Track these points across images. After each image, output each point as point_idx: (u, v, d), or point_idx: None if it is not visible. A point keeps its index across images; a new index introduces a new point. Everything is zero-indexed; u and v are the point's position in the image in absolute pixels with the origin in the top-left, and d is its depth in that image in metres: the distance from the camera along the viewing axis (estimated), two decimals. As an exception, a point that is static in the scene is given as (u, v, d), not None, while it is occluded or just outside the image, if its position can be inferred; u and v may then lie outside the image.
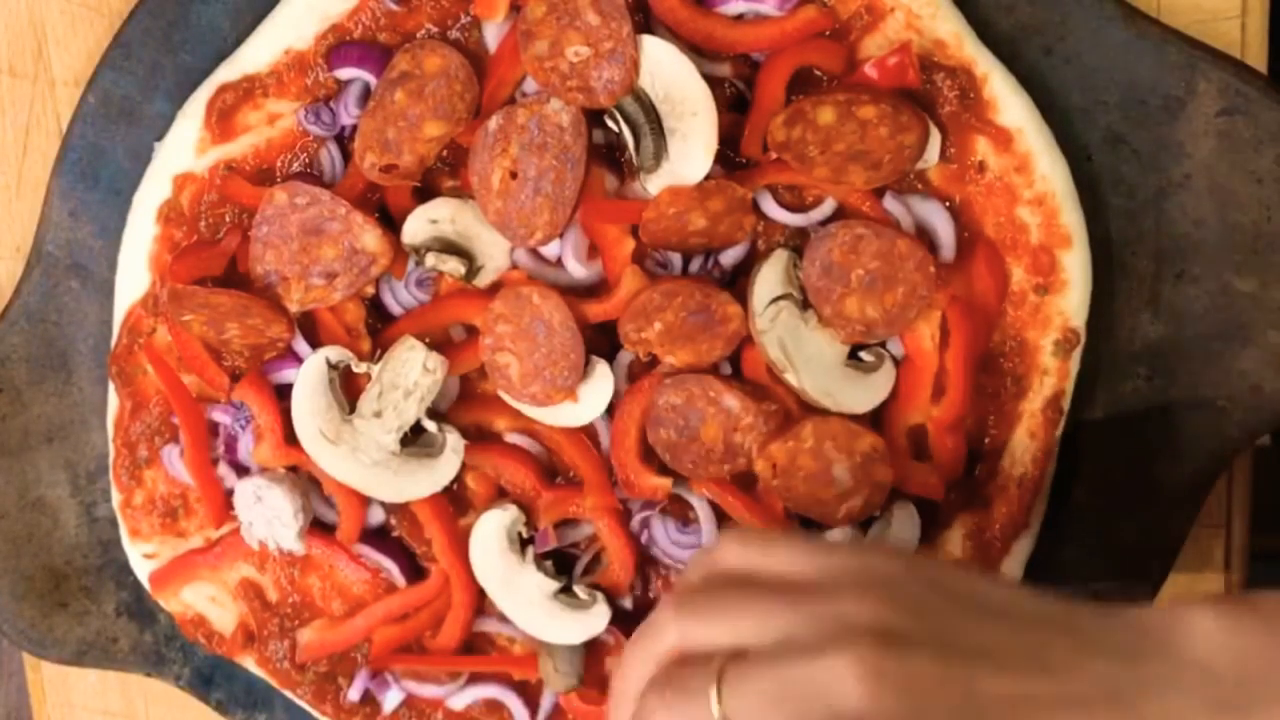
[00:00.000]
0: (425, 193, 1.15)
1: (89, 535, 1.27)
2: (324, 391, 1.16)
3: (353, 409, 1.17)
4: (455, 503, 1.19)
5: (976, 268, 1.11)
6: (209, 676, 1.29)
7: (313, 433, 1.16)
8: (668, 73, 1.08)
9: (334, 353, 1.16)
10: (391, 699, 1.24)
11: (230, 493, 1.20)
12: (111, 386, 1.21)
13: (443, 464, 1.16)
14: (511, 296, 1.13)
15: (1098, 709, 0.78)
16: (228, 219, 1.17)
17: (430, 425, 1.16)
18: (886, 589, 0.81)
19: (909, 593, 0.81)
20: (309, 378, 1.16)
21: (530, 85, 1.12)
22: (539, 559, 1.18)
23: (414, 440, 1.18)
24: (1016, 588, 0.85)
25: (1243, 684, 0.79)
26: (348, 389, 1.18)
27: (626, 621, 1.20)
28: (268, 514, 1.18)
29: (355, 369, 1.16)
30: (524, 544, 1.19)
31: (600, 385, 1.14)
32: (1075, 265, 1.11)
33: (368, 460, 1.16)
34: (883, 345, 1.14)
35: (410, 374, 1.14)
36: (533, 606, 1.19)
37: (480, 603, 1.21)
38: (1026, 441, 1.14)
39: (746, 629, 0.81)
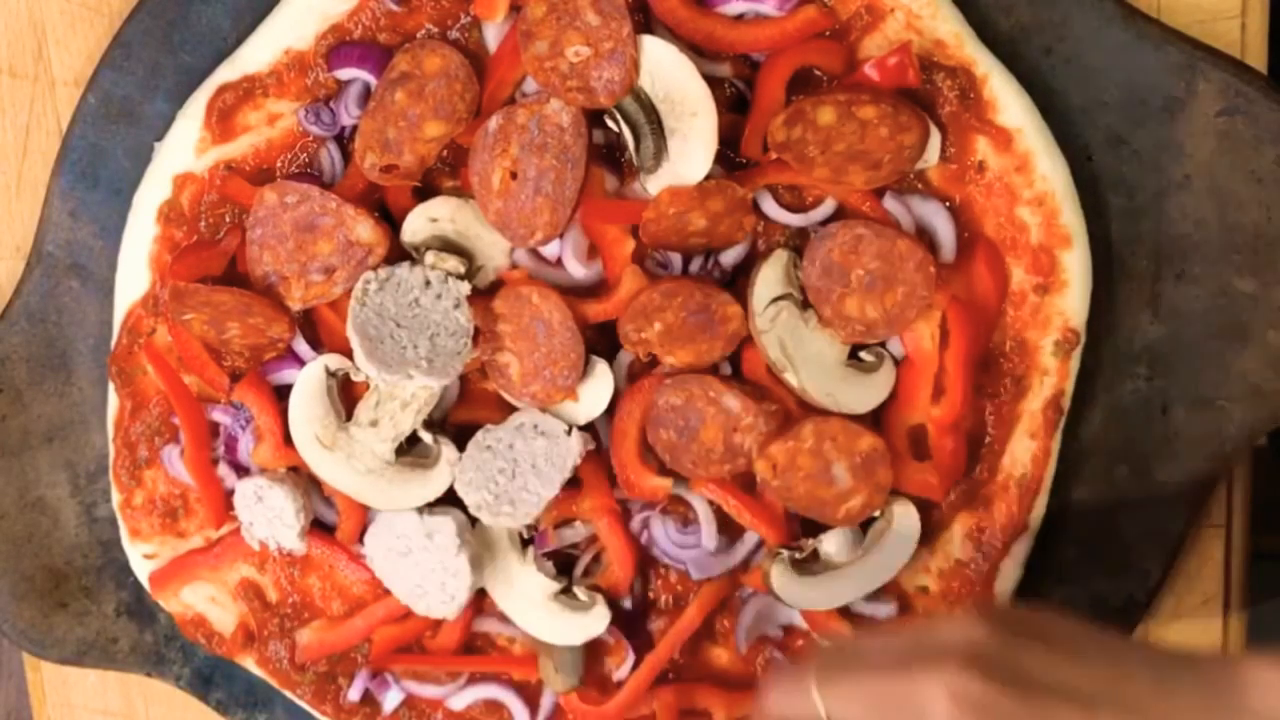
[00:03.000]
0: (425, 193, 1.15)
1: (89, 535, 1.27)
2: (321, 398, 1.16)
3: (350, 416, 1.17)
4: (456, 503, 1.19)
5: (976, 268, 1.11)
6: (209, 676, 1.29)
7: (308, 438, 1.16)
8: (668, 73, 1.08)
9: (333, 360, 1.16)
10: (391, 699, 1.24)
11: (230, 493, 1.20)
12: (111, 386, 1.21)
13: (436, 475, 1.16)
14: (511, 296, 1.13)
15: None
16: (228, 219, 1.17)
17: (426, 436, 1.16)
18: (980, 622, 0.90)
19: (999, 628, 0.90)
20: (307, 383, 1.16)
21: (530, 85, 1.12)
22: (539, 559, 1.18)
23: (409, 450, 1.18)
24: (1095, 629, 0.93)
25: None
26: (346, 396, 1.18)
27: (626, 622, 1.20)
28: (268, 514, 1.18)
29: (354, 377, 1.16)
30: (524, 544, 1.19)
31: (600, 385, 1.14)
32: (1075, 265, 1.11)
33: (362, 468, 1.16)
34: (883, 345, 1.14)
35: (408, 385, 1.14)
36: (533, 607, 1.19)
37: (480, 603, 1.21)
38: (1026, 441, 1.14)
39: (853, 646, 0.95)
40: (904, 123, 1.07)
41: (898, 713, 0.88)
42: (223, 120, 1.15)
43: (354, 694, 1.24)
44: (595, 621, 1.18)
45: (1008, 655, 0.88)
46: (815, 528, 1.16)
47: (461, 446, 1.16)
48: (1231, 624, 1.20)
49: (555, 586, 1.18)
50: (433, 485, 1.17)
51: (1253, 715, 0.86)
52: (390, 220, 1.15)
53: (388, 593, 1.21)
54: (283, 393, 1.18)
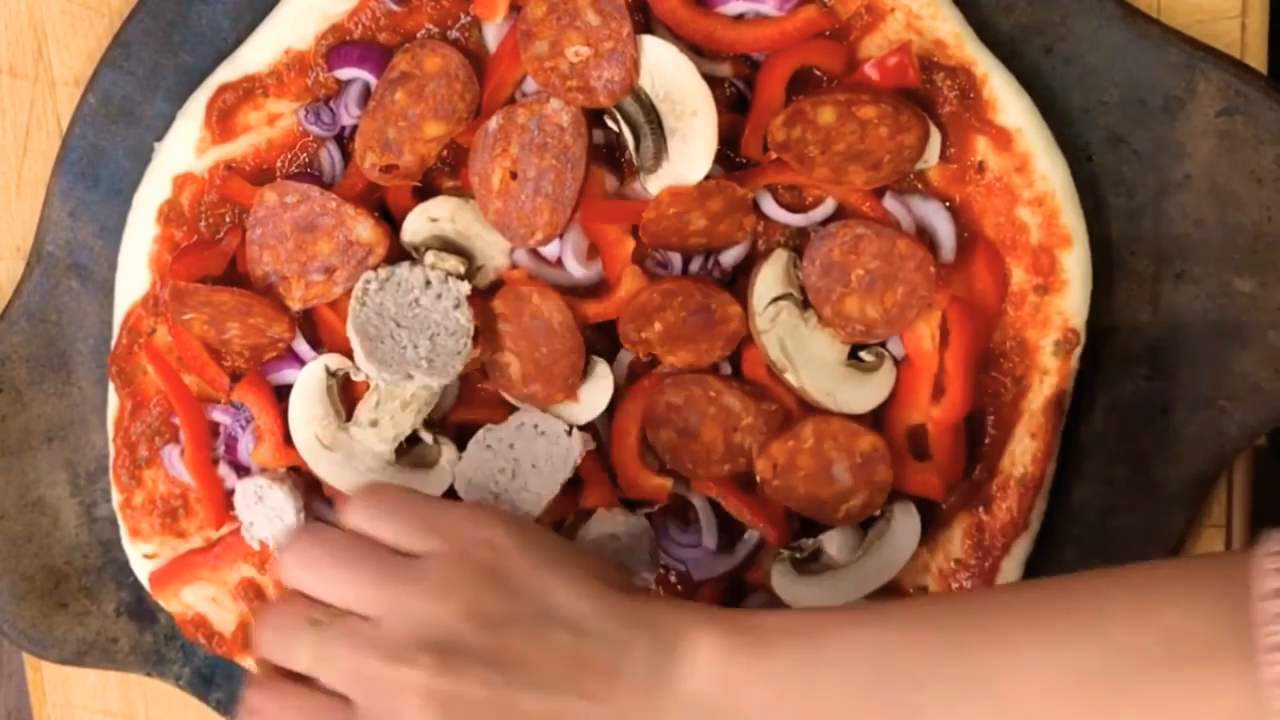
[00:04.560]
0: (426, 193, 1.15)
1: (89, 535, 1.27)
2: (321, 398, 1.16)
3: (350, 416, 1.17)
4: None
5: (976, 268, 1.11)
6: (209, 676, 1.29)
7: (308, 438, 1.16)
8: (668, 73, 1.08)
9: (334, 360, 1.16)
10: (391, 699, 1.24)
11: (230, 493, 1.20)
12: (111, 386, 1.21)
13: (436, 475, 1.16)
14: (511, 296, 1.13)
15: None
16: (228, 219, 1.17)
17: (426, 436, 1.16)
18: (466, 593, 0.93)
19: (484, 601, 0.93)
20: (307, 384, 1.16)
21: (530, 85, 1.12)
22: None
23: (409, 450, 1.17)
24: (596, 585, 0.95)
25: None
26: (346, 396, 1.18)
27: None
28: (269, 514, 1.18)
29: (354, 377, 1.16)
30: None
31: (600, 385, 1.14)
32: (1075, 265, 1.11)
33: (362, 468, 1.16)
34: (883, 345, 1.14)
35: (408, 385, 1.14)
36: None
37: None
38: (1026, 441, 1.14)
39: (347, 595, 0.95)
40: (904, 123, 1.07)
41: (373, 695, 0.92)
42: (223, 120, 1.15)
43: (354, 694, 1.24)
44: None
45: (483, 646, 0.91)
46: (815, 528, 1.16)
47: (461, 446, 1.16)
48: (1231, 624, 1.20)
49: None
50: (433, 485, 1.17)
51: (681, 701, 0.90)
52: (390, 220, 1.15)
53: (388, 593, 1.20)
54: (283, 393, 1.18)
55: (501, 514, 1.02)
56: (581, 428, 1.15)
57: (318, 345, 1.18)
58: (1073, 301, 1.11)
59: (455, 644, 0.91)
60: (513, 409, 1.16)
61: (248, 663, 1.25)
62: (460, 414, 1.19)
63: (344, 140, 1.16)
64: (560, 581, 0.95)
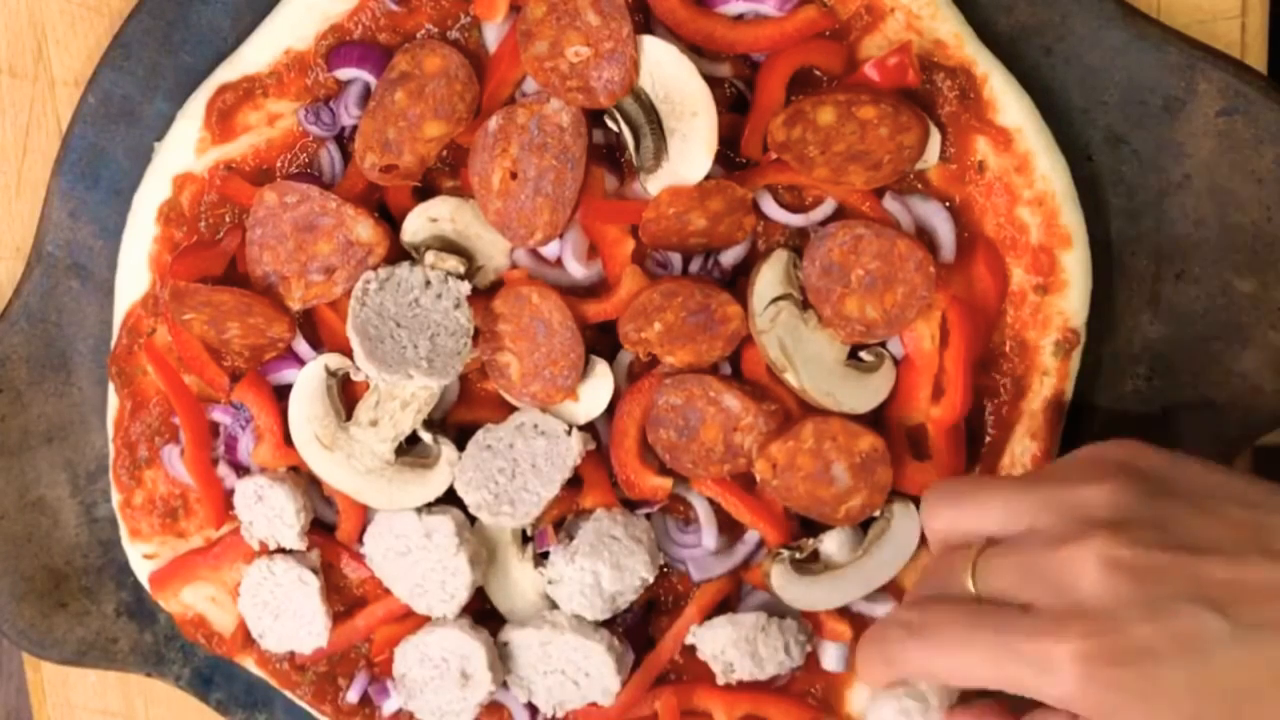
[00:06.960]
0: (425, 193, 1.15)
1: (89, 535, 1.27)
2: (321, 397, 1.16)
3: (350, 416, 1.17)
4: (455, 501, 1.19)
5: (976, 268, 1.11)
6: (209, 676, 1.29)
7: (308, 438, 1.16)
8: (668, 73, 1.08)
9: (334, 360, 1.16)
10: (391, 705, 1.24)
11: (230, 493, 1.20)
12: (111, 386, 1.21)
13: (436, 475, 1.16)
14: (511, 296, 1.13)
15: None
16: (228, 219, 1.17)
17: (426, 436, 1.16)
18: (1120, 477, 0.92)
19: (1140, 482, 0.92)
20: (307, 383, 1.16)
21: (530, 85, 1.12)
22: (536, 558, 1.18)
23: (409, 450, 1.17)
24: (1237, 474, 0.95)
25: None
26: (346, 396, 1.18)
27: (627, 623, 1.20)
28: (269, 513, 1.18)
29: (354, 377, 1.16)
30: (524, 541, 1.19)
31: (600, 385, 1.14)
32: (1075, 265, 1.11)
33: (361, 468, 1.16)
34: (883, 345, 1.14)
35: (408, 385, 1.14)
36: (527, 605, 1.19)
37: (480, 602, 1.21)
38: (1026, 442, 1.14)
39: (994, 518, 0.96)
40: (904, 123, 1.07)
41: (1047, 585, 0.91)
42: (223, 120, 1.15)
43: (353, 695, 1.24)
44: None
45: (1152, 517, 0.90)
46: (815, 528, 1.16)
47: (461, 446, 1.16)
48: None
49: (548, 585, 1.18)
50: (433, 485, 1.17)
51: None
52: (390, 220, 1.15)
53: (388, 592, 1.21)
54: (283, 393, 1.18)
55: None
56: (581, 428, 1.15)
57: (318, 345, 1.18)
58: (1073, 301, 1.11)
59: (1124, 516, 0.90)
60: (513, 409, 1.16)
61: (247, 662, 1.25)
62: (460, 414, 1.19)
63: (344, 140, 1.16)
64: (1206, 476, 0.94)
